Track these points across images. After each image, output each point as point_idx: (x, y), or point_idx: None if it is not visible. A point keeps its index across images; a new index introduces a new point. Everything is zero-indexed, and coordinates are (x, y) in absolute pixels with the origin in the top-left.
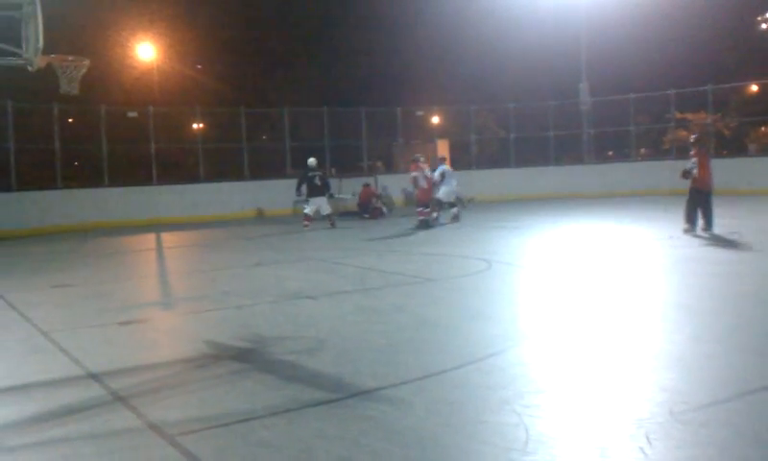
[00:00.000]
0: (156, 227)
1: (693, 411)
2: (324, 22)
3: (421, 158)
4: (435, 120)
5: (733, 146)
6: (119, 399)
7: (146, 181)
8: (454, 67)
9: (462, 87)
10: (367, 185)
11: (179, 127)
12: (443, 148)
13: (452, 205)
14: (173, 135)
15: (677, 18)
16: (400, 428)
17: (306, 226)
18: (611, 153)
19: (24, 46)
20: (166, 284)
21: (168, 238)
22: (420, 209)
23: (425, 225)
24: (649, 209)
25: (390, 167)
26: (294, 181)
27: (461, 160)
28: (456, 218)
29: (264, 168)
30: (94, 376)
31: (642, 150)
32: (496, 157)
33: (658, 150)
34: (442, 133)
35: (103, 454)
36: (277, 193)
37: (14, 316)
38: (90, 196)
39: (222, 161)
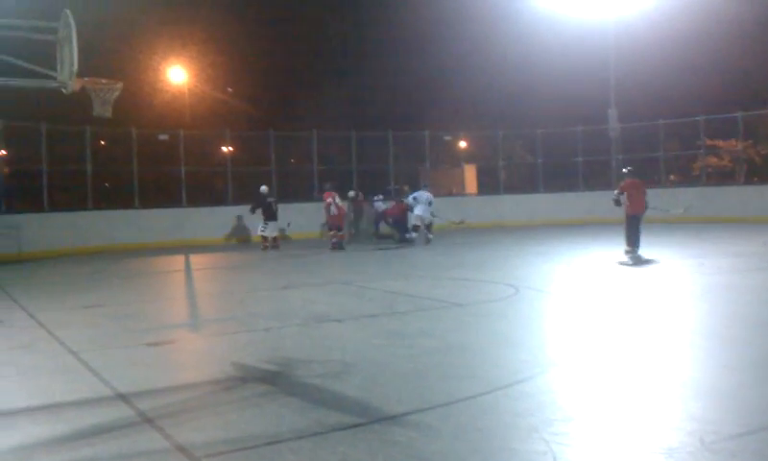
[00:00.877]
0: (186, 248)
1: (724, 441)
2: (352, 46)
3: (328, 186)
4: (462, 145)
5: (765, 173)
6: (147, 419)
7: (176, 202)
8: (482, 92)
9: (490, 113)
10: (400, 201)
11: (208, 150)
12: (470, 173)
13: (427, 226)
14: (202, 158)
15: (707, 44)
16: (428, 454)
17: (265, 248)
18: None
19: (59, 69)
20: (194, 306)
21: (197, 260)
22: (333, 233)
23: (339, 247)
24: (678, 236)
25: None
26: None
27: (489, 185)
28: (428, 241)
29: (292, 191)
30: (122, 397)
31: (672, 176)
32: (524, 182)
33: (687, 176)
34: (469, 157)
35: None
36: (305, 216)
37: (44, 335)
38: (121, 217)
39: (250, 184)
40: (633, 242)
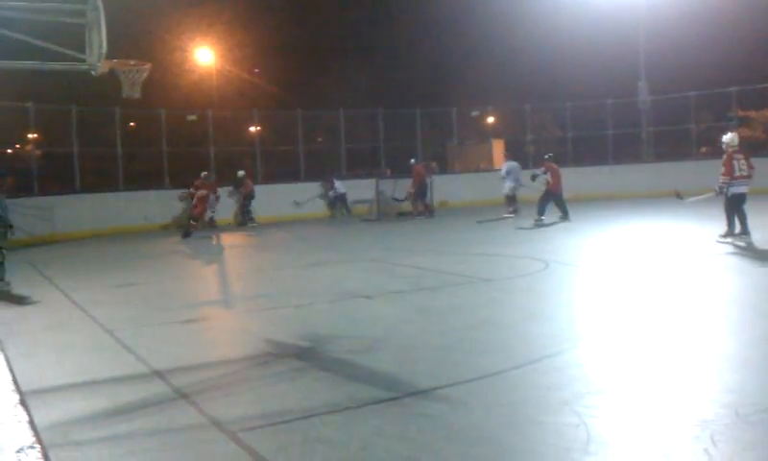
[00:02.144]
0: (216, 227)
1: (761, 412)
2: (378, 23)
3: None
4: (490, 120)
5: None
6: (182, 395)
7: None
8: (510, 67)
9: (517, 87)
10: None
11: (236, 130)
12: (498, 148)
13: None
14: (231, 138)
15: (739, 14)
16: (459, 428)
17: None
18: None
19: (87, 51)
20: (226, 284)
21: (227, 238)
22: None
23: (187, 234)
24: (711, 208)
25: (444, 168)
26: (351, 182)
27: (517, 160)
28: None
29: (320, 170)
30: (158, 373)
31: (703, 149)
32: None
33: (719, 148)
34: (497, 132)
35: (167, 449)
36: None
37: (80, 315)
38: (152, 197)
39: (278, 163)
40: (542, 212)
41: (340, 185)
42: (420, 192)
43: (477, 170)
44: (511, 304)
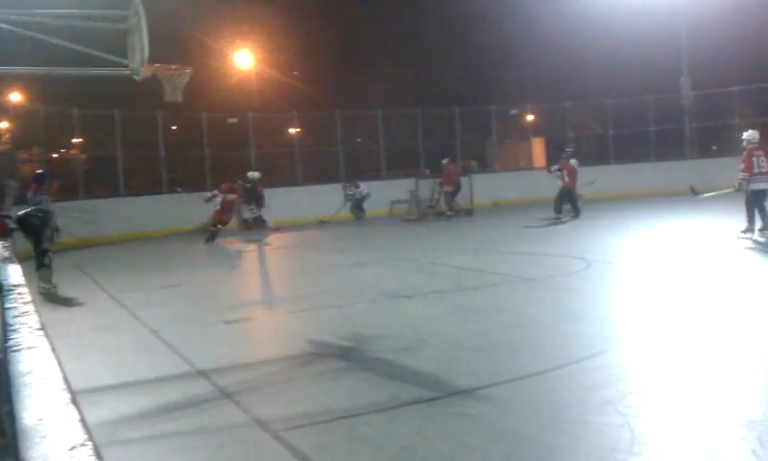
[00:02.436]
0: (258, 228)
1: None
2: (416, 22)
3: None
4: (530, 118)
5: None
6: (226, 395)
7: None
8: (549, 64)
9: (557, 84)
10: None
11: (276, 131)
12: (538, 146)
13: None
14: (271, 140)
15: None
16: (501, 428)
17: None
18: (714, 147)
19: (130, 56)
20: (269, 284)
21: (269, 239)
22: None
23: (211, 239)
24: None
25: (484, 166)
26: (390, 182)
27: (557, 158)
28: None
29: (359, 170)
30: (202, 373)
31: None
32: (594, 154)
33: (762, 144)
34: (537, 131)
35: (211, 448)
36: (374, 195)
37: (126, 316)
38: (194, 200)
39: (318, 164)
40: (559, 210)
41: (364, 187)
42: (455, 192)
43: (517, 169)
44: (552, 304)
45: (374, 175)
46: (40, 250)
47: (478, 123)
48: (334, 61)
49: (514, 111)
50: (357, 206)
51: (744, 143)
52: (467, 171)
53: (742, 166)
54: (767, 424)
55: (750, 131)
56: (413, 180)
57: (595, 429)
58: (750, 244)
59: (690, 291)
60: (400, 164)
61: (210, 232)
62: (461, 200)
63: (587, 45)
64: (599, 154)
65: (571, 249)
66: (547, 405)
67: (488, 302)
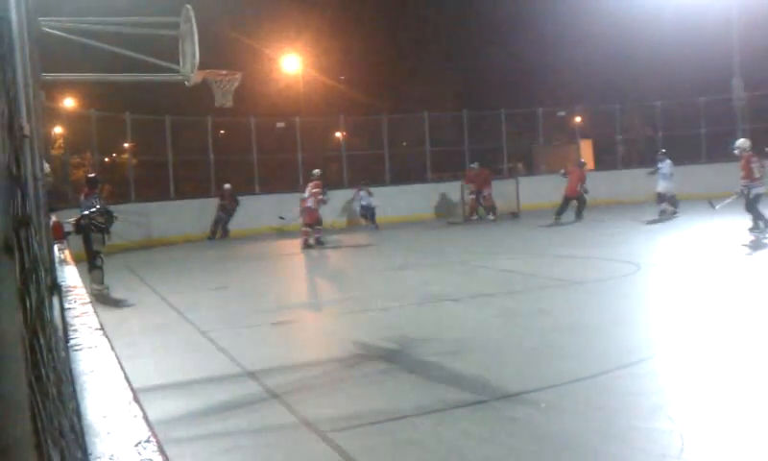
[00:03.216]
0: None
1: None
2: (462, 24)
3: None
4: (577, 120)
5: None
6: (274, 395)
7: (294, 188)
8: (597, 65)
9: (606, 86)
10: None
11: (323, 136)
12: (586, 148)
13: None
14: (318, 144)
15: None
16: (548, 432)
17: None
18: (767, 149)
19: (181, 62)
20: (314, 286)
21: (316, 241)
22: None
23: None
24: None
25: (531, 169)
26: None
27: (606, 161)
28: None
29: (405, 173)
30: (250, 374)
31: None
32: (643, 156)
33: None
34: (584, 133)
35: (260, 448)
36: (420, 198)
37: (175, 316)
38: (242, 203)
39: (365, 168)
40: (560, 213)
41: (365, 196)
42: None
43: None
44: (601, 308)
45: (421, 178)
46: (91, 252)
47: (525, 125)
48: (381, 65)
49: (561, 113)
50: (367, 215)
51: (737, 151)
52: (513, 174)
53: (742, 173)
54: None
55: (741, 139)
56: (459, 183)
57: (644, 435)
58: None
59: (742, 295)
60: (447, 167)
61: (313, 239)
62: (507, 202)
63: (637, 46)
64: (649, 156)
65: (621, 252)
66: (595, 410)
67: (534, 305)
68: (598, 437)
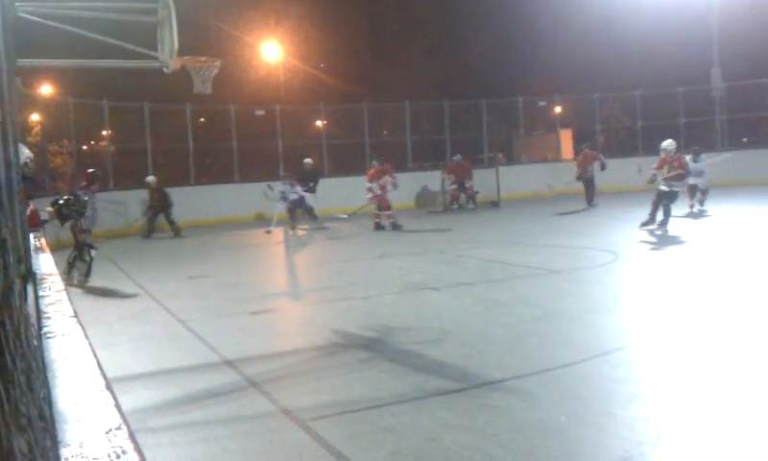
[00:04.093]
0: (284, 220)
1: None
2: (443, 14)
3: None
4: (557, 110)
5: None
6: (253, 384)
7: (274, 176)
8: (577, 55)
9: (585, 76)
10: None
11: (303, 124)
12: (566, 138)
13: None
14: (298, 132)
15: None
16: (527, 420)
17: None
18: (745, 140)
19: (159, 49)
20: (294, 275)
21: (298, 230)
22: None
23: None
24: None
25: (511, 159)
26: (414, 174)
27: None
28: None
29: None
30: (229, 363)
31: None
32: (623, 146)
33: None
34: (564, 122)
35: (239, 437)
36: (401, 187)
37: (154, 306)
38: (222, 191)
39: (345, 157)
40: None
41: (289, 189)
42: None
43: (545, 160)
44: (579, 296)
45: (401, 167)
46: (81, 243)
47: (505, 115)
48: (361, 54)
49: (542, 103)
50: (296, 208)
51: (662, 153)
52: (494, 163)
53: (656, 168)
54: None
55: (668, 140)
56: (439, 172)
57: (622, 422)
58: None
59: (720, 283)
60: (427, 156)
61: (386, 224)
62: (487, 192)
63: (616, 36)
64: (628, 146)
65: (599, 241)
66: (574, 398)
67: (514, 294)
68: (576, 424)
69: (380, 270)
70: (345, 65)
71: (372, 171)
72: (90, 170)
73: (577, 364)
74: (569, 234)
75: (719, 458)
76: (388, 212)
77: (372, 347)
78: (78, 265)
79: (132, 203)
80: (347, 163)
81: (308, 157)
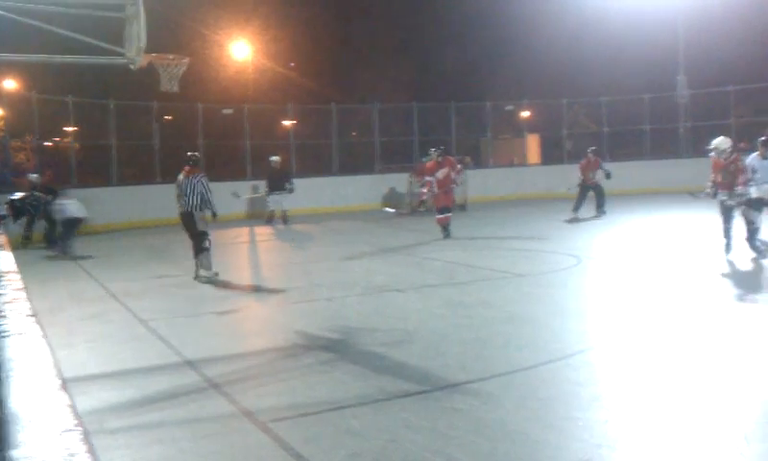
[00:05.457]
0: (251, 220)
1: None
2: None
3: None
4: (525, 114)
5: None
6: (214, 385)
7: (240, 176)
8: (545, 61)
9: (553, 81)
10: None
11: (271, 123)
12: (533, 143)
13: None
14: (266, 132)
15: None
16: (488, 422)
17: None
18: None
19: (127, 46)
20: (260, 276)
21: (261, 231)
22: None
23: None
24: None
25: (479, 162)
26: (382, 176)
27: (552, 155)
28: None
29: (353, 164)
30: (190, 364)
31: (742, 143)
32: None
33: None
34: (532, 127)
35: (197, 438)
36: (366, 188)
37: (116, 306)
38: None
39: (313, 157)
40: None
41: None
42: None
43: (511, 165)
44: (543, 300)
45: (369, 169)
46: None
47: (473, 118)
48: (331, 54)
49: (509, 108)
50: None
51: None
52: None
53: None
54: (754, 422)
55: (720, 137)
56: (407, 174)
57: (582, 425)
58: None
59: (681, 287)
60: (396, 159)
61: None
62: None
63: (584, 43)
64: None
65: (563, 245)
66: (535, 400)
67: (478, 297)
68: (537, 427)
69: (345, 271)
70: (315, 65)
71: (430, 163)
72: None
73: (539, 367)
74: (534, 238)
75: (674, 460)
76: (446, 215)
77: (336, 348)
78: (199, 258)
79: (96, 200)
80: (314, 164)
81: (275, 155)
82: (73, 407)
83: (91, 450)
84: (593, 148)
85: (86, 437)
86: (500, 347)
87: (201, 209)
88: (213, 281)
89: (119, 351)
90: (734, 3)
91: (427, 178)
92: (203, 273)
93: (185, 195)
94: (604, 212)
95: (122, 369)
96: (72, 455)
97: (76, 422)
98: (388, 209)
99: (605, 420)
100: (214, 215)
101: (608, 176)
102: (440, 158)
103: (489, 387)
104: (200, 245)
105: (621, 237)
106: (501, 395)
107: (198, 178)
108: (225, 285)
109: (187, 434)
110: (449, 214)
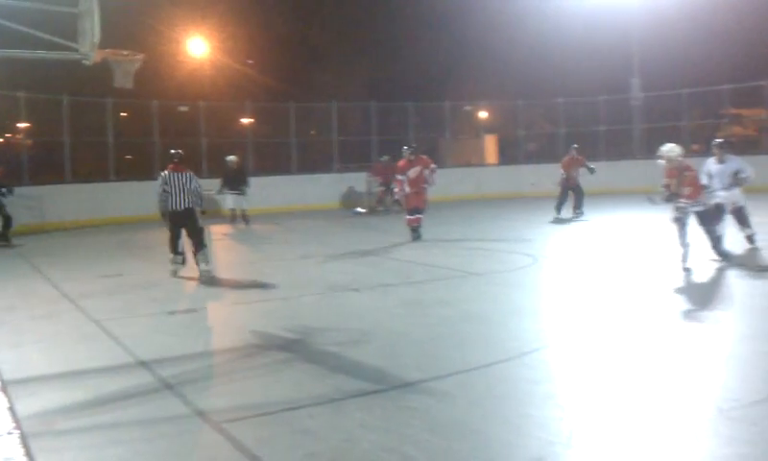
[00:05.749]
0: (206, 219)
1: (743, 408)
2: (373, 17)
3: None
4: (483, 115)
5: None
6: (167, 386)
7: (196, 174)
8: (503, 62)
9: (511, 82)
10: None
11: (229, 121)
12: (490, 143)
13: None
14: (223, 130)
15: (732, 11)
16: (444, 420)
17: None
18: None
19: (80, 41)
20: (215, 275)
21: (217, 230)
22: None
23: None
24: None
25: (437, 162)
26: (340, 175)
27: (509, 156)
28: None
29: (312, 163)
30: (143, 364)
31: (695, 146)
32: (545, 152)
33: (711, 146)
34: (489, 128)
35: (151, 439)
36: (324, 188)
37: (67, 305)
38: (143, 188)
39: (271, 156)
40: (559, 209)
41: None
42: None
43: (469, 165)
44: (498, 299)
45: (327, 168)
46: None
47: (432, 118)
48: (290, 53)
49: (467, 108)
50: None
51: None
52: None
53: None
54: (703, 419)
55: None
56: (365, 173)
57: (536, 422)
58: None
59: (636, 287)
60: (353, 158)
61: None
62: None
63: (540, 44)
64: (550, 152)
65: (519, 245)
66: (490, 398)
67: (434, 295)
68: (492, 424)
69: (302, 271)
70: (273, 63)
71: (401, 162)
72: None
73: (495, 365)
74: (490, 237)
75: (626, 458)
76: (417, 216)
77: (292, 348)
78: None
79: (48, 198)
80: (273, 162)
81: (232, 154)
82: (12, 410)
83: (29, 454)
84: (576, 146)
85: (25, 440)
86: (456, 346)
87: (199, 205)
88: (213, 276)
89: (70, 351)
90: (688, 7)
91: (399, 176)
92: (204, 267)
93: (177, 192)
94: (582, 213)
95: (73, 369)
96: (8, 459)
97: (14, 425)
98: (359, 210)
99: (559, 417)
100: (203, 212)
101: (591, 172)
102: (412, 157)
103: (444, 386)
104: (201, 241)
105: (577, 237)
106: (457, 393)
107: (188, 175)
108: (180, 285)
109: (141, 435)
110: (420, 216)
